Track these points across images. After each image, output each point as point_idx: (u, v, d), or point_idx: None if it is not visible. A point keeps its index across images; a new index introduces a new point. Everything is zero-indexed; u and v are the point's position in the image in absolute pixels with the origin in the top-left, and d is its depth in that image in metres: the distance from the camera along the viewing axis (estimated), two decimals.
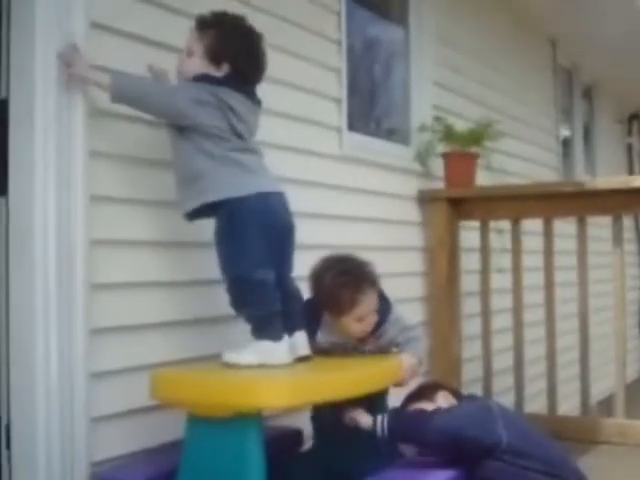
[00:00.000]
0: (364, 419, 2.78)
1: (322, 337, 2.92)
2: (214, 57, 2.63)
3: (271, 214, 2.60)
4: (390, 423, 2.74)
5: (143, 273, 2.84)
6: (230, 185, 2.56)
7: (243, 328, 2.61)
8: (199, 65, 2.64)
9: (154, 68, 2.81)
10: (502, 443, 2.67)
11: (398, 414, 2.82)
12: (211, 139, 2.58)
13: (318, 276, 2.84)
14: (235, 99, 2.61)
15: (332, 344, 2.93)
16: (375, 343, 2.94)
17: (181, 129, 2.61)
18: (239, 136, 2.62)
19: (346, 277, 2.81)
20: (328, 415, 2.91)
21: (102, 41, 2.70)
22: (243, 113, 2.63)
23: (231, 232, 2.56)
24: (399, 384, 2.90)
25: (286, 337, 2.60)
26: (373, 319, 2.87)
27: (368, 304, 2.83)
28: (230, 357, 2.57)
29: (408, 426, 2.77)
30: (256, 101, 2.71)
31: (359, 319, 2.84)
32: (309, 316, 2.81)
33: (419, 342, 3.01)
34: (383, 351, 2.95)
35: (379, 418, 2.75)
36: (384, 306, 2.93)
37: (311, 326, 2.83)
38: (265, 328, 2.56)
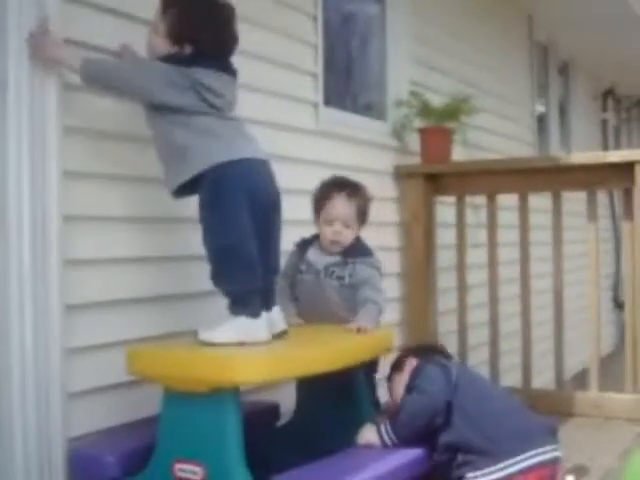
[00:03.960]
0: (371, 437, 2.76)
1: (312, 253, 3.14)
2: (176, 38, 2.60)
3: (254, 179, 2.58)
4: (394, 432, 2.75)
5: (118, 249, 2.83)
6: (214, 153, 2.53)
7: (219, 304, 2.60)
8: (163, 44, 2.61)
9: (127, 49, 2.78)
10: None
11: (394, 422, 2.79)
12: (188, 114, 2.56)
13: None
14: (209, 76, 2.57)
15: (309, 268, 3.11)
16: (348, 271, 3.07)
17: (157, 107, 2.58)
18: (217, 109, 2.60)
19: (331, 182, 3.19)
20: (310, 387, 2.94)
21: (75, 14, 2.67)
22: (219, 88, 2.60)
23: (216, 199, 2.52)
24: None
25: (264, 313, 2.59)
26: (344, 232, 3.11)
27: (338, 209, 3.11)
28: (207, 335, 2.54)
29: (405, 428, 2.77)
30: (231, 72, 2.68)
31: (328, 221, 3.11)
32: (304, 241, 3.18)
33: (376, 306, 3.02)
34: (352, 284, 3.06)
35: (382, 430, 2.75)
36: (364, 248, 3.15)
37: (303, 245, 3.16)
38: (244, 304, 2.53)
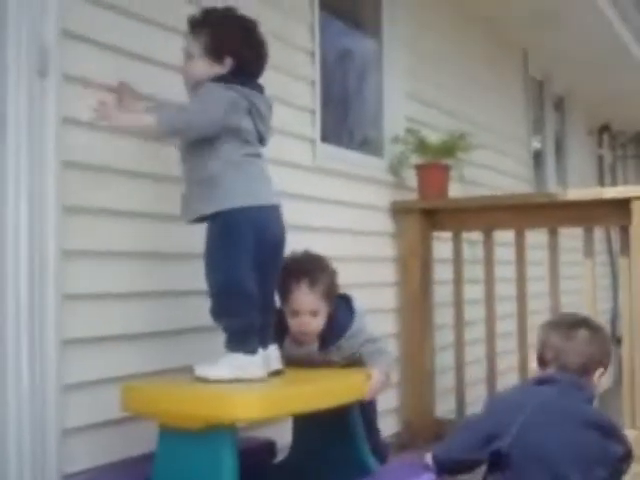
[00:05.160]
0: (426, 458, 2.78)
1: (288, 345, 2.92)
2: (215, 54, 2.60)
3: (268, 227, 2.59)
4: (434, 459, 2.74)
5: (115, 284, 2.83)
6: (243, 195, 2.53)
7: (216, 340, 2.59)
8: (202, 66, 2.61)
9: (124, 87, 2.79)
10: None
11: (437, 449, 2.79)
12: (233, 143, 2.55)
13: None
14: (258, 99, 2.61)
15: (299, 353, 2.93)
16: (338, 354, 2.93)
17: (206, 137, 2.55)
18: (260, 139, 2.63)
19: (289, 269, 2.83)
20: (306, 425, 2.93)
21: (74, 50, 2.69)
22: (265, 114, 2.63)
23: (227, 238, 2.51)
24: (363, 399, 2.86)
25: (260, 351, 2.58)
26: (312, 322, 2.85)
27: (303, 302, 2.83)
28: (203, 371, 2.52)
29: (443, 454, 2.75)
30: (269, 103, 2.70)
31: (293, 313, 2.85)
32: (278, 324, 2.81)
33: (385, 356, 2.96)
34: (350, 361, 2.94)
35: (429, 456, 2.76)
36: (344, 318, 2.92)
37: (279, 334, 2.83)
38: (241, 340, 2.53)
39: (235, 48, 2.61)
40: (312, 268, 2.89)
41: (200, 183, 2.57)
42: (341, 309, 2.95)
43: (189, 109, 2.59)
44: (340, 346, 2.92)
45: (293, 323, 2.87)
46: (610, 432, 2.58)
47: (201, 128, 2.53)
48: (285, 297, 2.86)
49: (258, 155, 2.65)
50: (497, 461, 2.56)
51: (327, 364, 2.93)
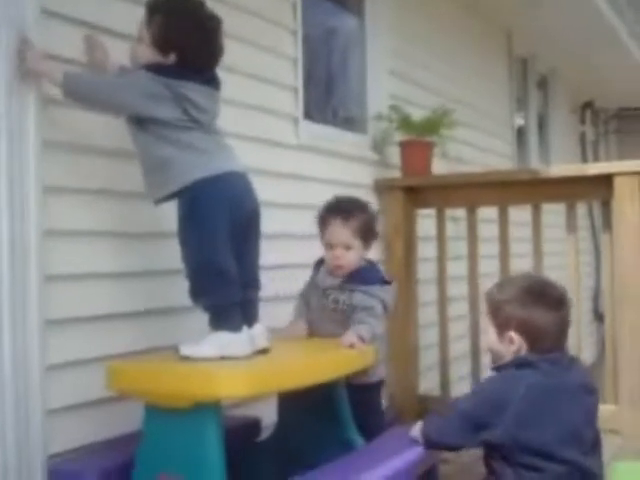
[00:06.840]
0: (414, 431, 2.77)
1: (322, 275, 3.14)
2: (161, 46, 2.57)
3: (234, 193, 2.57)
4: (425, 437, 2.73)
5: (98, 264, 2.82)
6: (196, 168, 2.52)
7: (200, 319, 2.59)
8: (148, 53, 2.59)
9: (91, 39, 2.75)
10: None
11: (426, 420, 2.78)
12: (171, 128, 2.53)
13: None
14: (192, 90, 2.56)
15: (316, 288, 3.13)
16: (348, 298, 3.04)
17: (140, 121, 2.56)
18: (200, 124, 2.58)
19: (327, 207, 3.15)
20: (291, 402, 2.94)
21: (52, 28, 2.66)
22: (202, 102, 2.58)
23: (195, 215, 2.51)
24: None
25: (245, 328, 2.58)
26: (346, 255, 3.06)
27: (337, 234, 3.07)
28: (188, 350, 2.52)
29: (434, 433, 2.72)
30: (215, 85, 2.66)
31: (328, 245, 3.10)
32: (319, 260, 3.18)
33: (369, 326, 2.96)
34: (347, 310, 3.03)
35: (418, 425, 2.75)
36: (369, 275, 3.08)
37: (317, 265, 3.18)
38: (224, 319, 2.53)
39: (181, 45, 2.57)
40: (350, 206, 3.13)
41: (152, 169, 2.59)
42: (375, 268, 3.18)
43: (105, 82, 2.61)
44: (352, 292, 3.03)
45: (328, 255, 3.11)
46: (595, 390, 2.75)
47: (107, 104, 2.61)
48: (322, 230, 3.13)
49: (209, 133, 2.61)
50: (493, 447, 2.57)
51: (334, 303, 3.08)
